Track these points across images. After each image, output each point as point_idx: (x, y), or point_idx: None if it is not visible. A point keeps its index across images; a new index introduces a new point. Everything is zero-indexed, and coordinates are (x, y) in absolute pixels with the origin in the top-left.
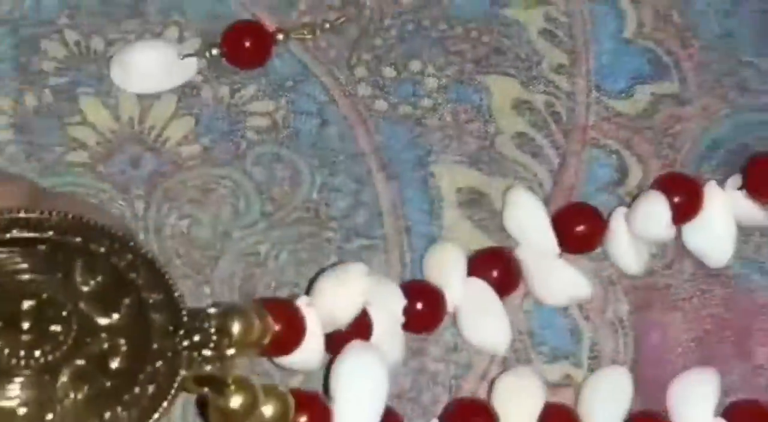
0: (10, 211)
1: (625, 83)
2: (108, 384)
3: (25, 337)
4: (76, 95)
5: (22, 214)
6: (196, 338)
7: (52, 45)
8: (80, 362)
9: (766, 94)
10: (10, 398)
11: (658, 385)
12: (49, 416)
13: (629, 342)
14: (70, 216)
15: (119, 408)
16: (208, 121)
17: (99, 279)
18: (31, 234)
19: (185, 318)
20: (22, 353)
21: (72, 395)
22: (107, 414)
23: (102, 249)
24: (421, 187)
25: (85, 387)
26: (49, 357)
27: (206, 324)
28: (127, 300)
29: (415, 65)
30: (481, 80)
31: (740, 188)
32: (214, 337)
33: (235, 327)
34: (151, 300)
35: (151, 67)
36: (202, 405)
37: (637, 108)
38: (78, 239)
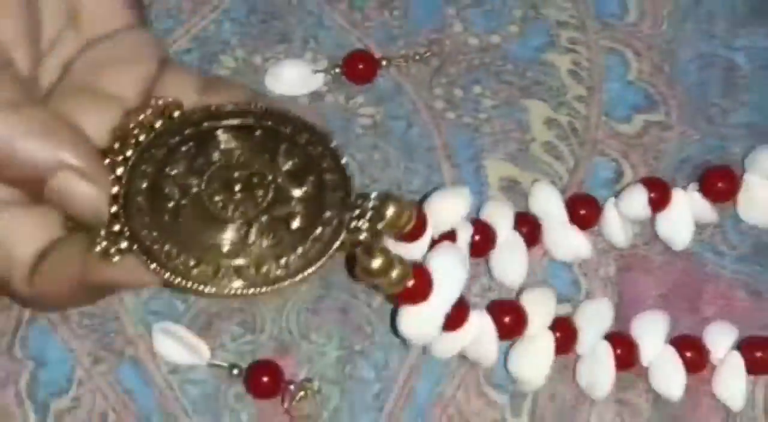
0: (244, 103)
1: (626, 112)
2: (287, 238)
3: (236, 196)
4: None
5: (252, 106)
6: (357, 212)
7: (226, 58)
8: (270, 219)
9: (725, 127)
10: (220, 238)
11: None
12: (242, 255)
13: (614, 294)
14: (286, 112)
15: (292, 256)
16: (329, 118)
17: (295, 160)
18: (254, 122)
19: (353, 197)
20: (232, 207)
21: (259, 242)
22: (283, 260)
23: (303, 140)
24: (474, 174)
25: (271, 236)
26: (250, 214)
27: (367, 204)
28: (311, 178)
29: (477, 89)
30: (523, 103)
31: (697, 190)
32: (371, 214)
33: (389, 211)
34: (329, 180)
35: (293, 77)
36: (349, 262)
37: (633, 130)
38: (288, 129)
